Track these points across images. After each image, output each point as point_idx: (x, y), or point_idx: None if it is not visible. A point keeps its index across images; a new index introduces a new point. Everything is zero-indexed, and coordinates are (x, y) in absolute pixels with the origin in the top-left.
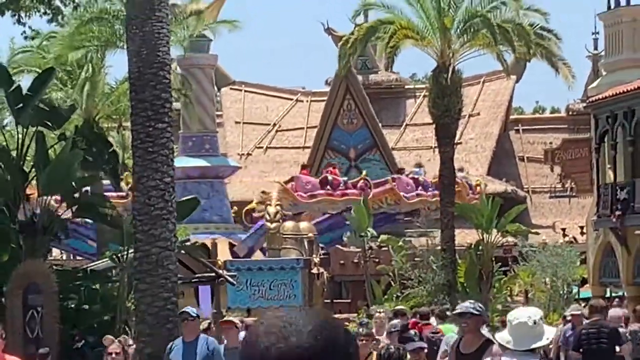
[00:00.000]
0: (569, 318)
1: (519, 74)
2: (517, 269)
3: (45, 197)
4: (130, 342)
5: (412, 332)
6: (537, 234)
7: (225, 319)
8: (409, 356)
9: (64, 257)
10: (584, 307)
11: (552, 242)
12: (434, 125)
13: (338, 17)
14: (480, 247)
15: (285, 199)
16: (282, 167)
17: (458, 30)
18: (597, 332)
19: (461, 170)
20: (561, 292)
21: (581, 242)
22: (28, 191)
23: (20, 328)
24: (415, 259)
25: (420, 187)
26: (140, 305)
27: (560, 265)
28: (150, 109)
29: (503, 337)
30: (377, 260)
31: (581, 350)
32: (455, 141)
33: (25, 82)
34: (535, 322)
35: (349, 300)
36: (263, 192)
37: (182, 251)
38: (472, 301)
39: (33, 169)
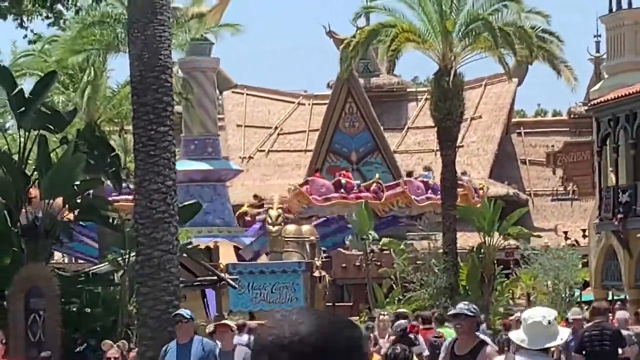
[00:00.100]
0: (571, 320)
1: (521, 77)
2: (519, 272)
3: (47, 201)
4: (132, 346)
5: (411, 335)
6: (539, 236)
7: (220, 322)
8: (415, 358)
9: (66, 261)
10: (586, 309)
11: (554, 245)
12: (435, 129)
13: (340, 21)
14: (482, 250)
15: (300, 202)
16: (284, 170)
17: (460, 33)
18: (600, 334)
19: (465, 173)
20: (563, 295)
21: (583, 245)
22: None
23: (22, 332)
24: (417, 262)
25: (430, 191)
26: (142, 309)
27: (562, 268)
28: (152, 112)
29: (517, 335)
30: (378, 263)
31: (584, 352)
32: (457, 144)
33: (27, 85)
34: (549, 322)
35: (350, 304)
36: (255, 196)
37: (184, 254)
38: (466, 302)
39: (35, 173)
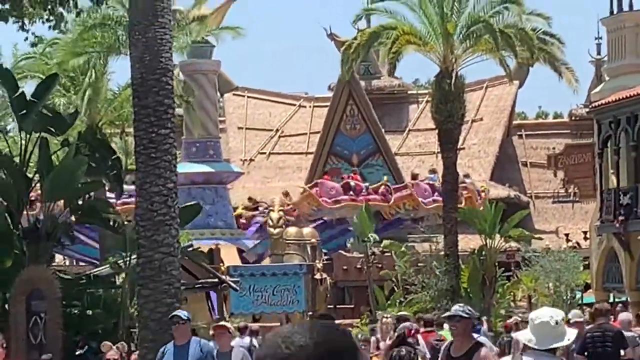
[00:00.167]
0: (572, 323)
1: (522, 79)
2: (520, 274)
3: (48, 203)
4: (133, 348)
5: (410, 339)
6: (540, 239)
7: (218, 323)
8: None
9: (67, 263)
10: (588, 311)
11: (555, 247)
12: (436, 131)
13: (341, 23)
14: (484, 253)
15: (310, 204)
16: (285, 172)
17: (461, 35)
18: (602, 335)
19: (467, 176)
20: (564, 297)
21: (584, 247)
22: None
23: (23, 334)
24: (419, 264)
25: (436, 193)
26: (143, 311)
27: (564, 270)
28: (153, 114)
29: (525, 336)
30: (380, 265)
31: (586, 353)
32: (458, 147)
33: (28, 88)
34: (557, 322)
35: (352, 306)
36: (249, 198)
37: (185, 257)
38: (461, 304)
39: (36, 175)
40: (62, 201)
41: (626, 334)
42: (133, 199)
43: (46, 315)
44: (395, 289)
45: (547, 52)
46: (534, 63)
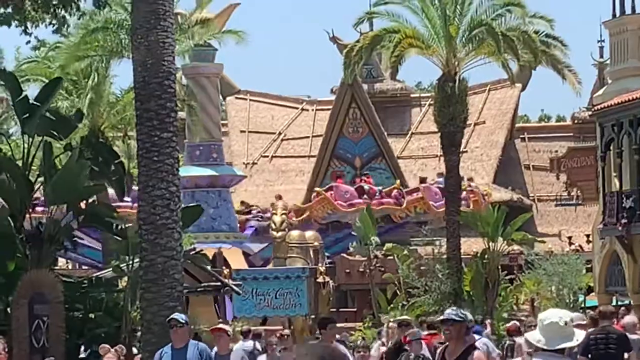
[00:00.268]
0: (574, 324)
1: (525, 82)
2: (523, 278)
3: (51, 207)
4: (135, 352)
5: (406, 347)
6: (543, 242)
7: (216, 326)
8: None
9: (70, 267)
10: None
11: (558, 251)
12: (439, 134)
13: (343, 26)
14: (486, 256)
15: (324, 208)
16: (288, 176)
17: (463, 38)
18: (606, 337)
19: (471, 179)
20: (567, 300)
21: (587, 250)
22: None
23: (26, 338)
24: (421, 267)
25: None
26: (146, 315)
27: (566, 273)
28: (155, 118)
29: (534, 336)
30: (382, 269)
31: (589, 355)
32: (461, 150)
33: (30, 91)
34: (566, 323)
35: (354, 309)
36: (242, 202)
37: (188, 260)
38: (454, 308)
39: (39, 179)
40: (64, 205)
41: (630, 336)
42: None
43: (49, 319)
44: (398, 292)
45: (549, 54)
46: (537, 66)
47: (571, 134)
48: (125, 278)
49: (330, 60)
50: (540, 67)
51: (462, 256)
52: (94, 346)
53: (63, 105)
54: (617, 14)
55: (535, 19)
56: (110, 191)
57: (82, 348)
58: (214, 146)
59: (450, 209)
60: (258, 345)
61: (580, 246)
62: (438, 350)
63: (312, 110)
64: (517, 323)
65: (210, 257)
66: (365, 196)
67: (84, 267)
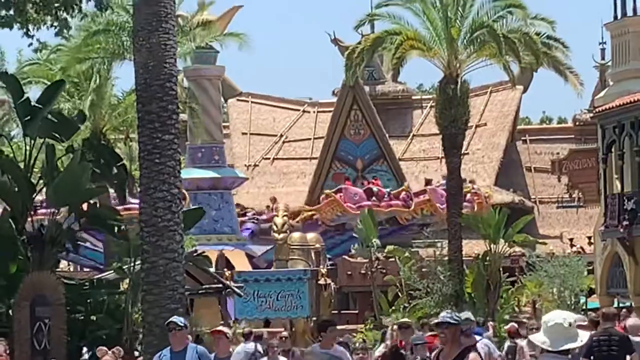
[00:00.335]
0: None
1: (526, 84)
2: (525, 280)
3: (53, 209)
4: (137, 354)
5: (402, 351)
6: (545, 244)
7: (215, 328)
8: None
9: (72, 269)
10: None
11: (560, 253)
12: (440, 136)
13: (345, 28)
14: (488, 258)
15: (334, 210)
16: (289, 178)
17: (465, 40)
18: (608, 339)
19: (473, 182)
20: (569, 302)
21: (589, 252)
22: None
23: (27, 340)
24: (423, 269)
25: None
26: (147, 317)
27: (568, 275)
28: (157, 120)
29: (539, 338)
30: (384, 271)
31: (592, 357)
32: (462, 152)
33: (32, 93)
34: (570, 324)
35: (356, 311)
36: (237, 204)
37: (190, 262)
38: (449, 311)
39: (40, 181)
40: (66, 207)
41: (633, 338)
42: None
43: (50, 321)
44: (400, 294)
45: (551, 56)
46: (538, 68)
47: (572, 136)
48: (127, 280)
49: (331, 62)
50: (542, 69)
51: (463, 258)
52: (96, 348)
53: (65, 108)
54: (619, 16)
55: (537, 20)
56: (113, 193)
57: (84, 350)
58: (215, 148)
59: (451, 211)
60: (259, 348)
61: (581, 248)
62: (433, 354)
63: (314, 112)
64: (516, 325)
65: (215, 260)
66: (374, 198)
67: (85, 269)
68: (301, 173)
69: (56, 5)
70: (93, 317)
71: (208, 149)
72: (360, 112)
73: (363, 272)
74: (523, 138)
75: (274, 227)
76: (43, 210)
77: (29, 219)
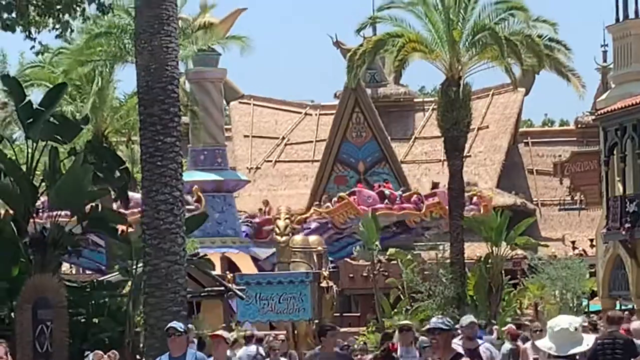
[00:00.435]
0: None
1: (528, 86)
2: (527, 282)
3: (55, 212)
4: (138, 357)
5: (394, 354)
6: (547, 246)
7: (214, 332)
8: None
9: (74, 272)
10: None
11: (562, 255)
12: (442, 139)
13: (347, 31)
14: (490, 260)
15: (347, 212)
16: (291, 180)
17: (467, 43)
18: (613, 343)
19: (475, 184)
20: (571, 305)
21: (591, 254)
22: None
23: (30, 343)
24: (425, 272)
25: None
26: (149, 319)
27: (570, 278)
28: (159, 123)
29: (545, 344)
30: (386, 273)
31: None
32: (464, 154)
33: (34, 96)
34: (575, 329)
35: (358, 314)
36: None
37: (192, 265)
38: (440, 316)
39: (42, 183)
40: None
41: (637, 342)
42: None
43: (52, 324)
44: (402, 297)
45: (553, 58)
46: (540, 70)
47: (574, 139)
48: (129, 282)
49: (333, 65)
50: (544, 72)
51: (465, 261)
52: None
53: (67, 110)
54: (621, 19)
55: (539, 22)
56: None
57: (86, 353)
58: (218, 151)
59: (454, 214)
60: (261, 350)
61: (583, 250)
62: None
63: (316, 114)
64: (513, 326)
65: (219, 263)
66: (386, 201)
67: (87, 271)
68: (303, 176)
69: (58, 7)
70: (95, 320)
71: (211, 152)
72: (362, 115)
73: (365, 274)
74: (525, 140)
75: (277, 229)
76: (45, 213)
77: (31, 222)
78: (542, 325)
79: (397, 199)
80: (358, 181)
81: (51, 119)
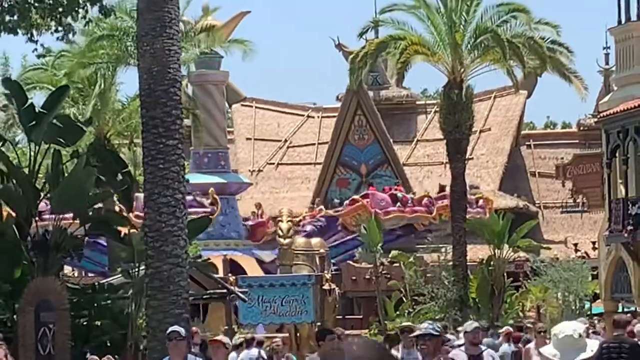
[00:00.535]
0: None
1: (530, 89)
2: (529, 285)
3: (57, 215)
4: (140, 359)
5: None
6: (549, 249)
7: (213, 337)
8: None
9: (76, 274)
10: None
11: (564, 258)
12: (445, 141)
13: (349, 34)
14: (492, 263)
15: (360, 215)
16: (293, 183)
17: (469, 45)
18: (619, 346)
19: (478, 187)
20: (573, 307)
21: (593, 257)
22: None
23: (32, 345)
24: (427, 274)
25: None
26: (151, 322)
27: (572, 280)
28: (161, 125)
29: (549, 351)
30: (388, 276)
31: None
32: (467, 157)
33: (36, 99)
34: (580, 335)
35: (360, 316)
36: None
37: (194, 268)
38: (430, 322)
39: (45, 186)
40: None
41: None
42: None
43: (55, 326)
44: (404, 299)
45: (555, 60)
46: (543, 72)
47: (577, 141)
48: (132, 285)
49: (336, 67)
50: (546, 74)
51: (467, 263)
52: (100, 354)
53: (69, 113)
54: (623, 21)
55: (541, 25)
56: None
57: (88, 355)
58: (220, 154)
59: (456, 216)
60: (263, 353)
61: (586, 253)
62: None
63: (318, 117)
64: (510, 328)
65: (222, 265)
66: (398, 204)
67: (90, 274)
68: (305, 178)
69: (60, 10)
70: (97, 323)
71: (214, 155)
72: (364, 117)
73: (367, 277)
74: (527, 143)
75: (279, 232)
76: (47, 216)
77: (34, 224)
78: (546, 326)
79: (409, 201)
80: (361, 183)
81: (53, 121)
